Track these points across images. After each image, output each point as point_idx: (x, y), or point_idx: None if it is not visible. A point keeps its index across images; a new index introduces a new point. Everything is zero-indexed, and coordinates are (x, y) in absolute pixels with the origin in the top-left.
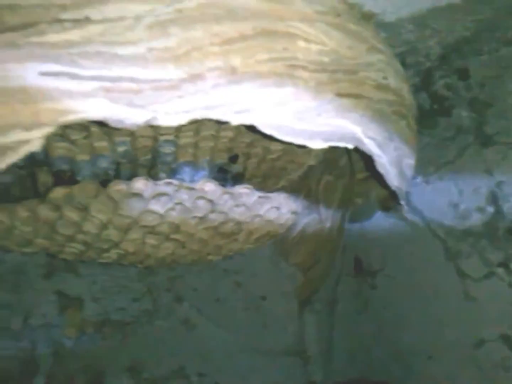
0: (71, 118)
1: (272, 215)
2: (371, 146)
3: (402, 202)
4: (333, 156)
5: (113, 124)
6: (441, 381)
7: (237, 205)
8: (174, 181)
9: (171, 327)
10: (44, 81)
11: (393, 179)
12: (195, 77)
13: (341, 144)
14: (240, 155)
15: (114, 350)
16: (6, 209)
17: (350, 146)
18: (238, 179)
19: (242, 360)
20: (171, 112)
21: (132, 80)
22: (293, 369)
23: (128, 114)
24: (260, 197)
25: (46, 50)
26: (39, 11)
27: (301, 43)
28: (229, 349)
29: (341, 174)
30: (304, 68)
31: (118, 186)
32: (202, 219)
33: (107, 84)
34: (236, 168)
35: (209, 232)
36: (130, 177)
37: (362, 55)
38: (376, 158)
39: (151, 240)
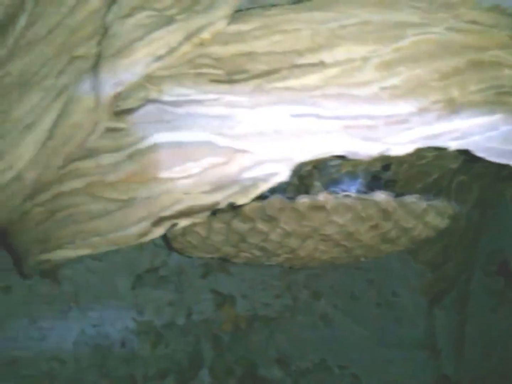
0: (316, 153)
1: (434, 221)
2: None
3: None
4: (469, 158)
5: (350, 156)
6: None
7: (405, 213)
8: (352, 193)
9: (311, 322)
10: (294, 121)
11: None
12: (421, 111)
13: None
14: (394, 163)
15: (263, 343)
16: (203, 222)
17: None
18: (389, 185)
19: (377, 353)
20: (400, 143)
21: (368, 117)
22: (425, 362)
23: (364, 147)
24: (428, 205)
25: (292, 94)
26: (277, 58)
27: (506, 71)
28: (364, 343)
29: (478, 175)
30: (510, 94)
31: (304, 199)
32: (373, 227)
33: (347, 122)
34: (388, 175)
35: (376, 239)
36: (284, 186)
37: None
38: None
39: (322, 246)
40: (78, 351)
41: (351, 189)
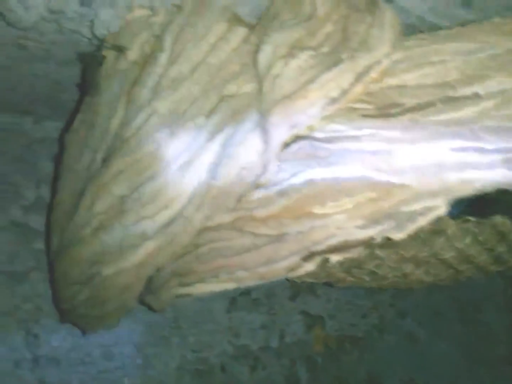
0: (477, 187)
1: None
2: None
3: None
4: None
5: (510, 189)
6: None
7: None
8: (471, 218)
9: (398, 341)
10: (454, 155)
11: None
12: None
13: None
14: None
15: (354, 363)
16: None
17: None
18: (491, 204)
19: (463, 370)
20: None
21: None
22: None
23: None
24: None
25: (450, 127)
26: (428, 91)
27: None
28: (450, 360)
29: None
30: None
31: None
32: (487, 249)
33: (508, 155)
34: (491, 194)
35: (488, 260)
36: None
37: None
38: None
39: (434, 270)
40: (181, 377)
41: (454, 211)
